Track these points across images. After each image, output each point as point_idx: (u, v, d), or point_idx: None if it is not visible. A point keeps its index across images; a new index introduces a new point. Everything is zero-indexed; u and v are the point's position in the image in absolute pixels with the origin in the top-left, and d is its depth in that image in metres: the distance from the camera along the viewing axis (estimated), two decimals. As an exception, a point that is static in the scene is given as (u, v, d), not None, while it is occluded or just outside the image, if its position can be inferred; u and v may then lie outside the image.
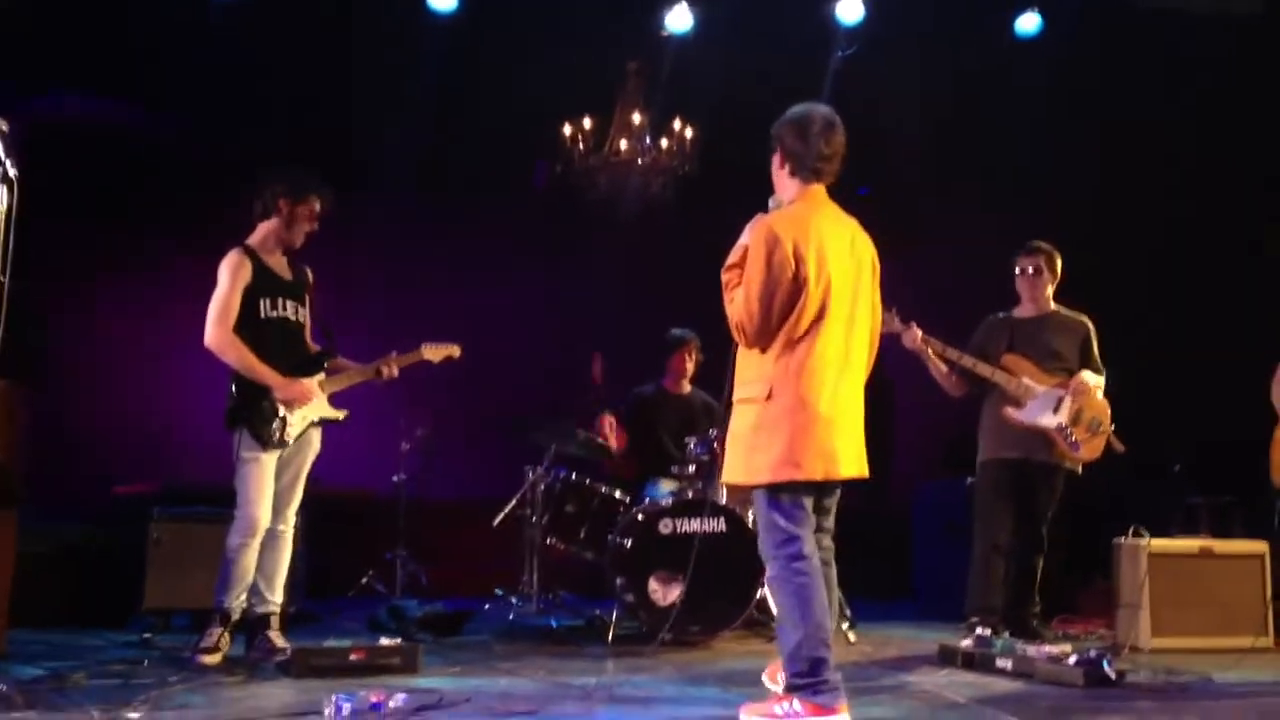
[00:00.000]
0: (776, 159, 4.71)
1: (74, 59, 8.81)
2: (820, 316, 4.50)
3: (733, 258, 4.63)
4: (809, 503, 4.54)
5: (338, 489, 8.92)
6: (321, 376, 6.05)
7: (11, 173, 4.44)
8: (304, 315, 6.10)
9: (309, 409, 5.94)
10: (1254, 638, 6.37)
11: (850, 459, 4.56)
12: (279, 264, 6.02)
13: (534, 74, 9.25)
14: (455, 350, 6.48)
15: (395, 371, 6.23)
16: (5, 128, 4.42)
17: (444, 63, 9.30)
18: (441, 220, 10.21)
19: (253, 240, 5.97)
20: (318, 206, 6.02)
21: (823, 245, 4.52)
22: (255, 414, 5.76)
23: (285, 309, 5.96)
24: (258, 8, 8.81)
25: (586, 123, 9.58)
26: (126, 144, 9.49)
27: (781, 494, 4.50)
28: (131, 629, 6.72)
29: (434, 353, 6.39)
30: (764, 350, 4.54)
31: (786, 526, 4.48)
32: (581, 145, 9.57)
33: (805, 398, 4.47)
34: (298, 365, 5.96)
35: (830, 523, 4.74)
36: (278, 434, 5.81)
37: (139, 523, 7.00)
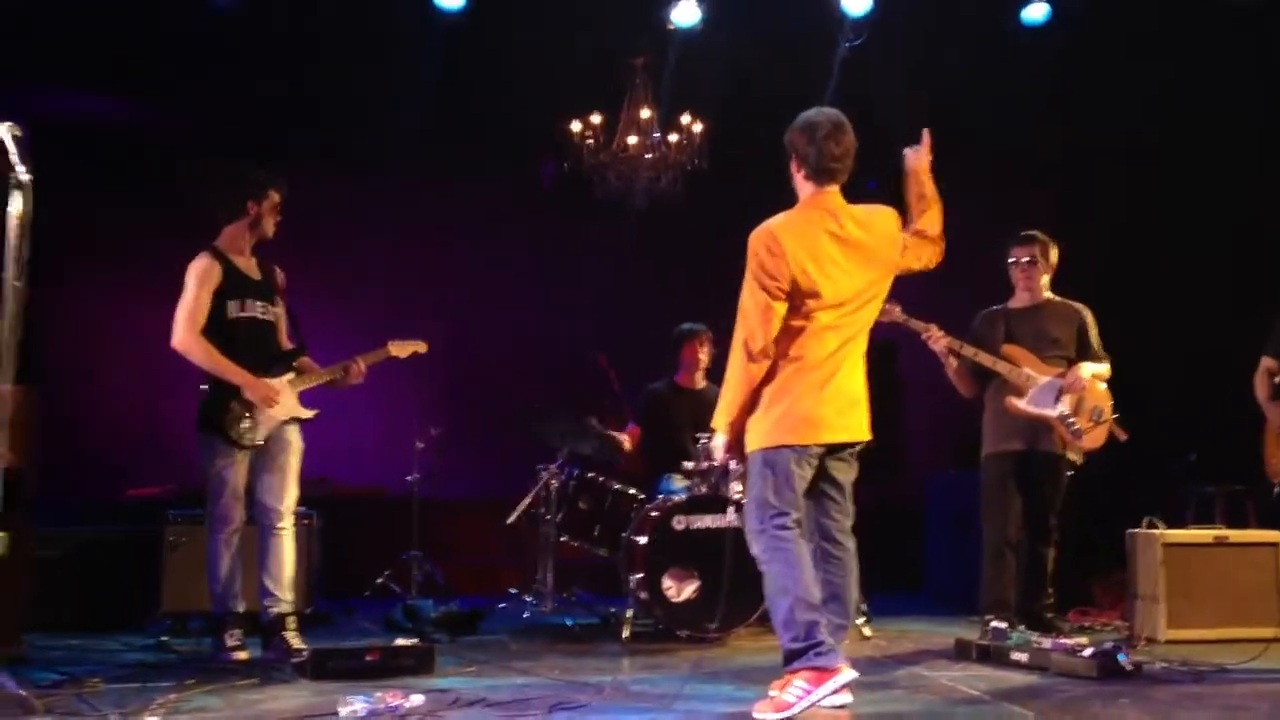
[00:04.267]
0: (793, 165, 4.84)
1: (74, 56, 8.81)
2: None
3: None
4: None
5: (352, 488, 8.97)
6: (291, 375, 6.13)
7: (25, 178, 4.46)
8: (274, 314, 6.17)
9: (278, 409, 6.00)
10: (1273, 629, 6.33)
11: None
12: (248, 265, 6.12)
13: (541, 70, 9.25)
14: (422, 346, 6.53)
15: (363, 369, 6.27)
16: (19, 132, 4.44)
17: (451, 60, 9.30)
18: (451, 216, 10.23)
19: (220, 243, 6.07)
20: (278, 198, 6.12)
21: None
22: (225, 415, 5.86)
23: (254, 309, 6.05)
24: (263, 4, 8.82)
25: (595, 119, 9.58)
26: (139, 142, 9.52)
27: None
28: (148, 632, 6.74)
29: (400, 349, 6.45)
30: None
31: (773, 501, 4.65)
32: (590, 142, 9.58)
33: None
34: (267, 364, 6.04)
35: (848, 504, 4.89)
36: (248, 434, 5.90)
37: (154, 525, 7.04)
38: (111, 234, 9.32)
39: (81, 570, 7.12)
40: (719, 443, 4.85)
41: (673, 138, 9.68)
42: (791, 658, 4.52)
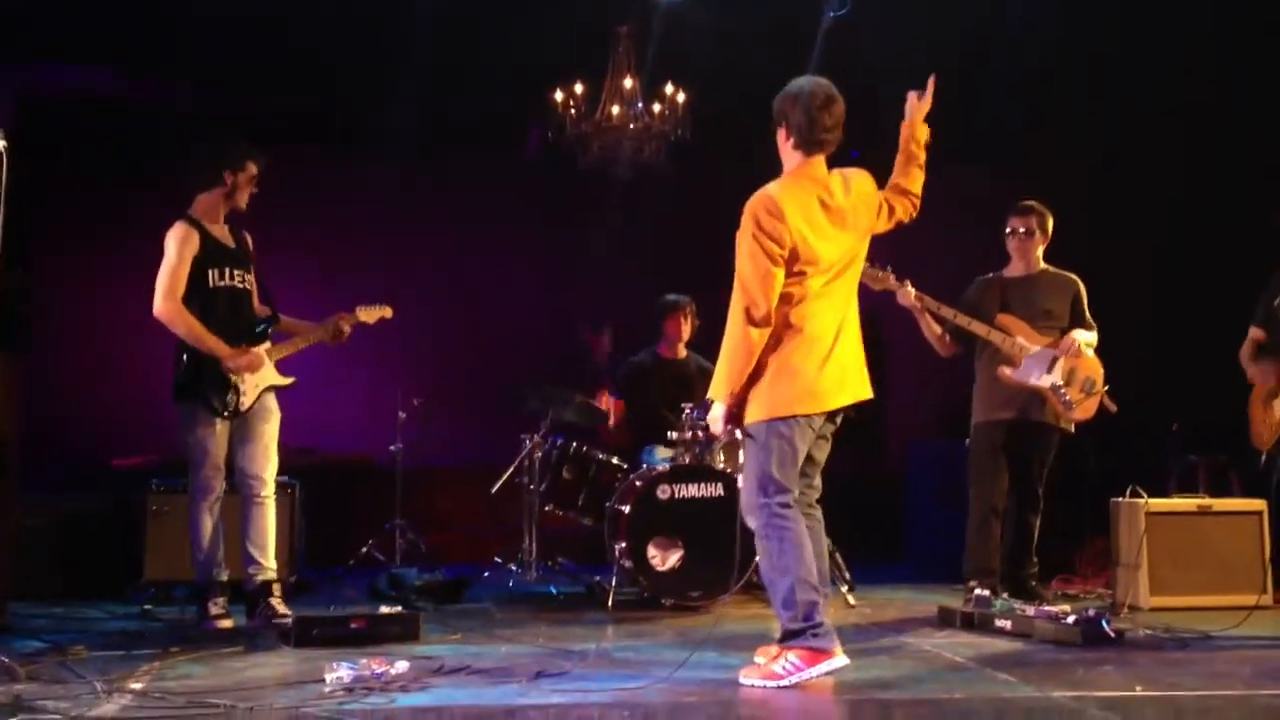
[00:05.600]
0: (781, 133, 4.81)
1: (65, 28, 8.74)
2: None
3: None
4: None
5: (336, 457, 8.96)
6: (268, 344, 6.14)
7: (0, 144, 4.41)
8: (249, 282, 6.18)
9: (259, 376, 6.03)
10: (1255, 596, 6.37)
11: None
12: (222, 233, 6.11)
13: (525, 39, 9.19)
14: (388, 311, 6.55)
15: (347, 330, 6.33)
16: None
17: (435, 27, 9.23)
18: (434, 187, 10.20)
19: (194, 210, 6.04)
20: (255, 170, 6.11)
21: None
22: (209, 386, 5.88)
23: (232, 278, 6.05)
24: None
25: (578, 88, 9.53)
26: (124, 111, 9.46)
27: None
28: (131, 601, 6.74)
29: (368, 314, 6.49)
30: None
31: (776, 475, 4.63)
32: (573, 111, 9.53)
33: None
34: (245, 333, 6.05)
35: (818, 479, 4.92)
36: (232, 404, 5.92)
37: (138, 494, 7.02)
38: (96, 205, 9.26)
39: (65, 539, 7.10)
40: (718, 413, 4.74)
41: (656, 107, 9.63)
42: (789, 636, 4.56)
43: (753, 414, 4.68)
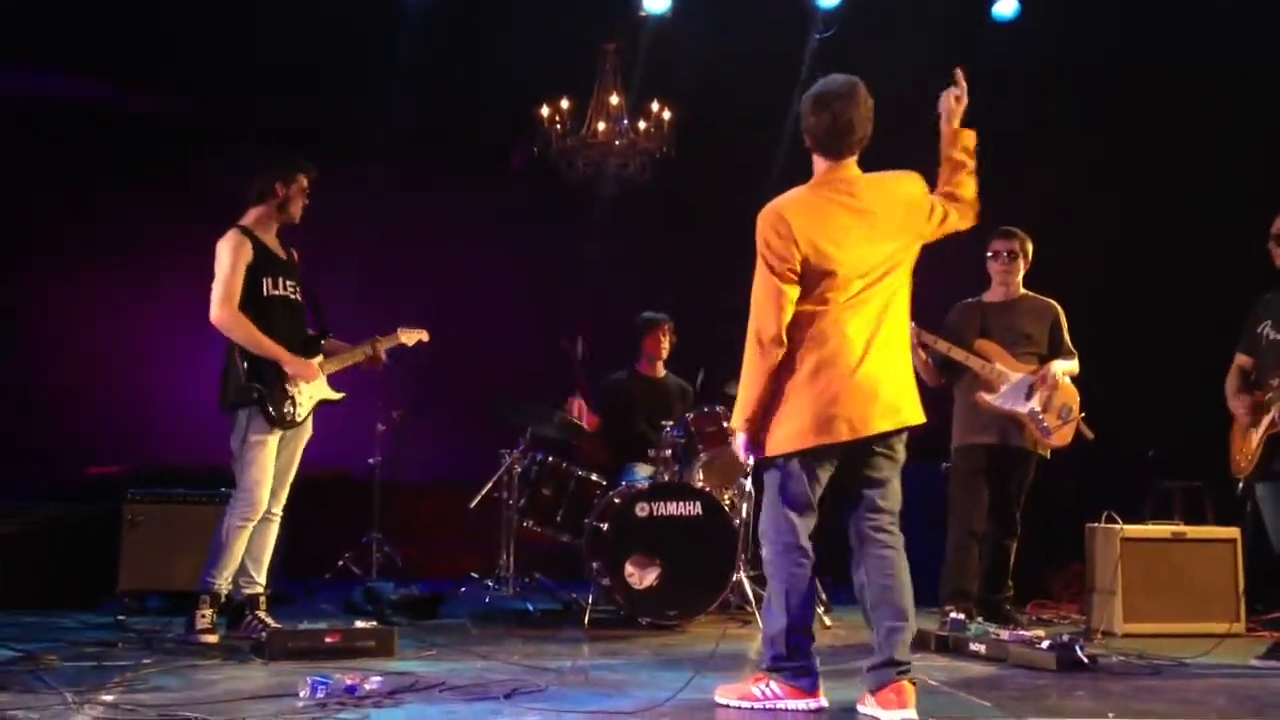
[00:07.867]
0: (806, 140, 4.50)
1: (51, 35, 8.74)
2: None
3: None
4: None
5: (314, 470, 8.89)
6: (321, 358, 6.11)
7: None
8: (299, 295, 6.15)
9: (314, 389, 6.02)
10: (1228, 624, 6.40)
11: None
12: (274, 244, 6.08)
13: (511, 54, 9.22)
14: (424, 335, 6.57)
15: (382, 355, 6.29)
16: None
17: (421, 43, 9.25)
18: (417, 201, 10.17)
19: (247, 221, 6.01)
20: (306, 181, 6.10)
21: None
22: (270, 392, 5.80)
23: (285, 288, 6.02)
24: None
25: (564, 104, 9.55)
26: (111, 124, 9.44)
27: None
28: (105, 611, 6.69)
29: (408, 336, 6.49)
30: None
31: (793, 516, 4.45)
32: (559, 127, 9.55)
33: None
34: (299, 344, 6.01)
35: (890, 500, 4.57)
36: (290, 413, 5.87)
37: (113, 504, 6.99)
38: (75, 214, 9.21)
39: (40, 548, 7.05)
40: (739, 443, 4.49)
41: (641, 124, 9.65)
42: (772, 669, 4.47)
43: (769, 446, 4.42)
